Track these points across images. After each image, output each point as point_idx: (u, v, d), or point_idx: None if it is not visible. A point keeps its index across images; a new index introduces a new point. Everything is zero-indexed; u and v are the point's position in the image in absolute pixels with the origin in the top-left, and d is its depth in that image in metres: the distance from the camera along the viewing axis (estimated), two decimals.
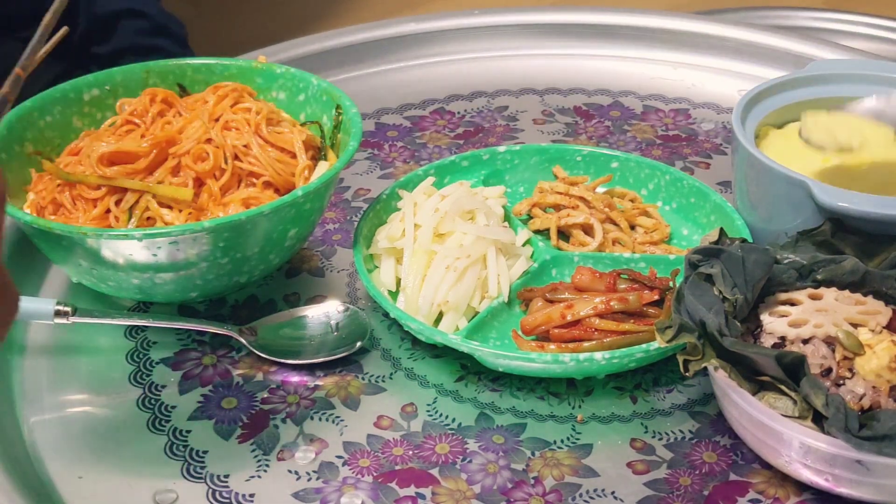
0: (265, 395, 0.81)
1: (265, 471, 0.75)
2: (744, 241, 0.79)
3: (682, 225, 0.94)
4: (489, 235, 0.86)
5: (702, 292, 0.74)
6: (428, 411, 0.80)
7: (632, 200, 0.96)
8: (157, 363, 0.84)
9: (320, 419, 0.79)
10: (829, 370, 0.71)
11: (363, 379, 0.83)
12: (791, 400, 0.69)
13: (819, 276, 0.77)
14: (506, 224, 0.91)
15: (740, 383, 0.70)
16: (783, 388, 0.69)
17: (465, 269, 0.84)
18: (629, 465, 0.75)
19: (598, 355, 0.76)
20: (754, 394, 0.70)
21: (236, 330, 0.84)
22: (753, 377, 0.71)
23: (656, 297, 0.82)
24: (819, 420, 0.68)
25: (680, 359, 0.72)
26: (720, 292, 0.74)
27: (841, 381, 0.70)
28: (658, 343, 0.74)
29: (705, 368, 0.72)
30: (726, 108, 1.16)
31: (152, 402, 0.81)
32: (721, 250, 0.76)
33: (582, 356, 0.77)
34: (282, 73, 0.96)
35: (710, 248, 0.77)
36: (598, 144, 1.10)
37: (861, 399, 0.69)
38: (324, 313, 0.86)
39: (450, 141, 1.12)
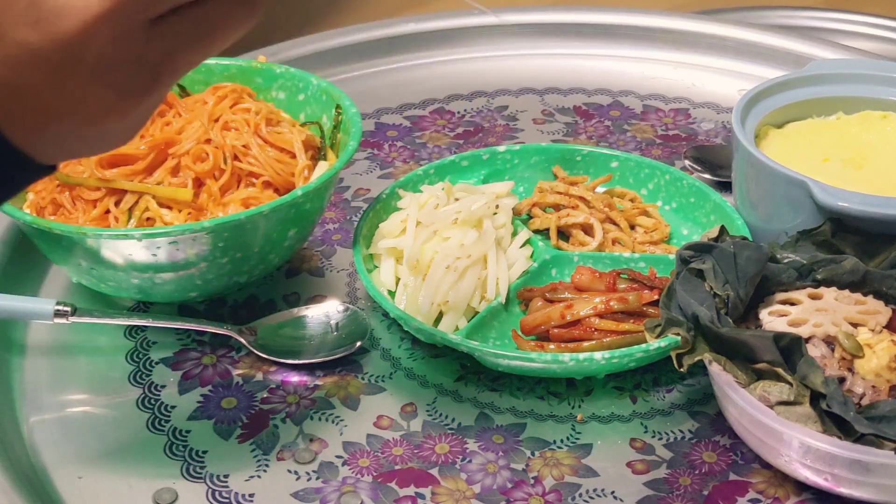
0: (265, 395, 0.81)
1: (265, 471, 0.75)
2: (743, 238, 0.79)
3: (682, 225, 0.94)
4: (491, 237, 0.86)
5: (693, 287, 0.74)
6: (428, 411, 0.80)
7: (632, 200, 0.96)
8: (156, 363, 0.84)
9: (320, 419, 0.79)
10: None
11: (363, 379, 0.83)
12: (787, 384, 0.68)
13: (819, 276, 0.77)
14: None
15: (735, 374, 0.70)
16: (780, 371, 0.69)
17: (465, 269, 0.84)
18: (629, 464, 0.75)
19: (597, 355, 0.76)
20: (750, 384, 0.70)
21: (236, 330, 0.84)
22: (749, 368, 0.70)
23: (656, 297, 0.82)
24: (815, 405, 0.67)
25: (673, 354, 0.72)
26: (711, 287, 0.74)
27: (840, 381, 0.70)
28: (648, 340, 0.74)
29: (705, 368, 0.72)
30: (726, 108, 1.16)
31: (152, 402, 0.81)
32: (713, 246, 0.76)
33: (582, 356, 0.77)
34: (282, 73, 0.96)
35: (701, 244, 0.77)
36: (597, 144, 1.10)
37: (861, 399, 0.69)
38: (324, 313, 0.86)
39: (450, 141, 1.12)
